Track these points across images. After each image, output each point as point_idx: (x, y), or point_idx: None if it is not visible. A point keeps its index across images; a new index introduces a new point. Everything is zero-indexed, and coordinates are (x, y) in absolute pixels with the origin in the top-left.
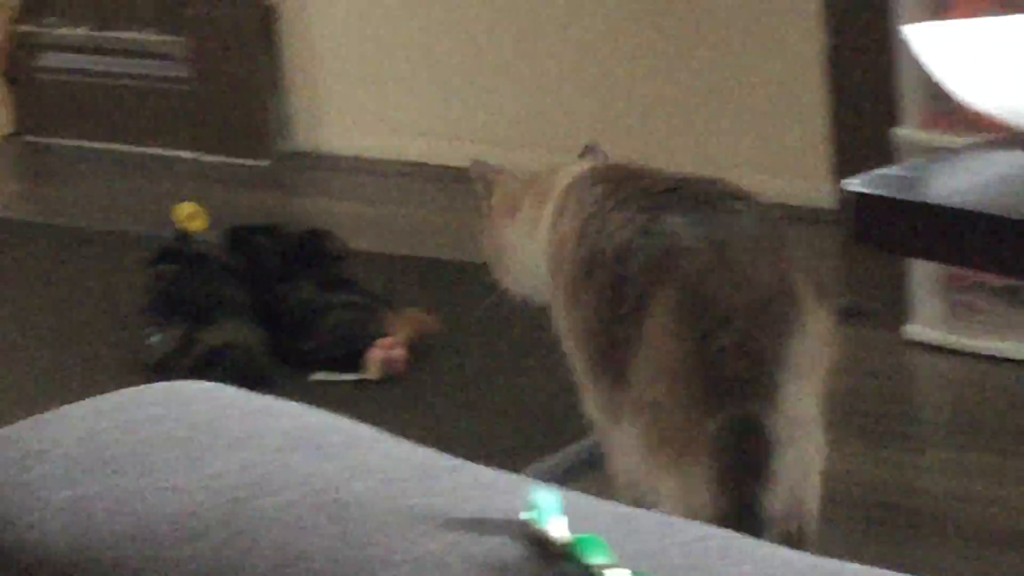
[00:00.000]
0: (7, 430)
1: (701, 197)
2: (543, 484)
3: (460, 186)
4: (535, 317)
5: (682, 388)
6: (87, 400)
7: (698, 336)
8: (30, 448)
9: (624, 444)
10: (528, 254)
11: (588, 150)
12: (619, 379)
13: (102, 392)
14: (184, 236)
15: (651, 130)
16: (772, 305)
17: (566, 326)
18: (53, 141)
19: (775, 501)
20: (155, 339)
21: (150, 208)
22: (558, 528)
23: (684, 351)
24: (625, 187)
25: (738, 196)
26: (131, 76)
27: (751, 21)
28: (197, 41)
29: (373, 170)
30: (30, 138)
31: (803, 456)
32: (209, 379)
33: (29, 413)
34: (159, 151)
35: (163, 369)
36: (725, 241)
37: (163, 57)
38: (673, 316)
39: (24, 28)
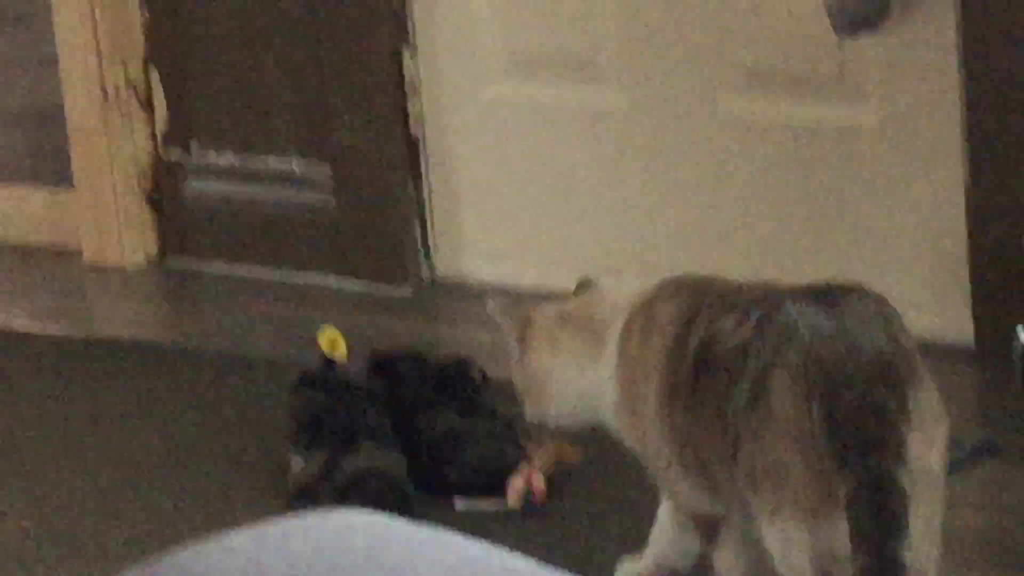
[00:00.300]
0: (170, 555)
1: (813, 290)
2: None
3: None
4: None
5: (811, 449)
6: (250, 528)
7: (822, 398)
8: (194, 573)
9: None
10: (582, 385)
11: (582, 286)
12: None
13: (246, 516)
14: (327, 362)
15: (786, 261)
16: (889, 364)
17: (662, 436)
18: (196, 266)
19: (909, 553)
20: (297, 465)
21: (293, 334)
22: None
23: (810, 414)
24: (708, 295)
25: (850, 287)
26: (275, 202)
27: (888, 150)
28: (341, 168)
29: (514, 298)
30: (173, 263)
31: (929, 510)
32: (352, 506)
33: (174, 536)
34: (302, 277)
35: (305, 495)
36: (840, 313)
37: (307, 184)
38: (796, 383)
39: (168, 153)
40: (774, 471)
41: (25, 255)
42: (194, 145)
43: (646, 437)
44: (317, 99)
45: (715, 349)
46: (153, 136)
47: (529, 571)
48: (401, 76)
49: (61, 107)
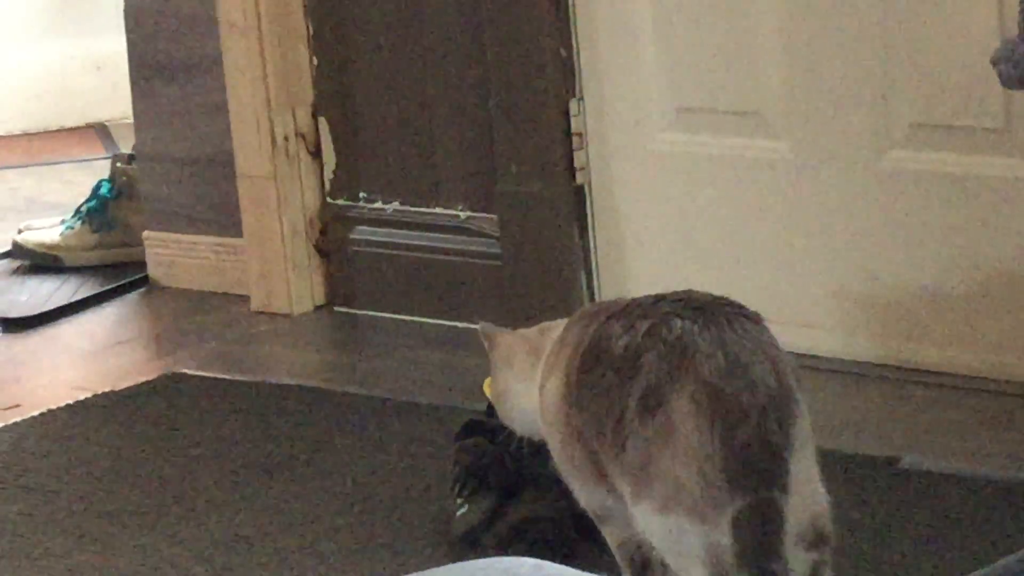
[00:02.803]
0: None
1: (698, 305)
2: None
3: None
4: (835, 506)
5: (709, 469)
6: (421, 573)
7: (722, 428)
8: None
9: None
10: (526, 403)
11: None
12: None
13: (411, 562)
14: (492, 409)
15: (951, 313)
16: (779, 402)
17: (562, 437)
18: (361, 313)
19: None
20: (461, 512)
21: (457, 382)
22: None
23: (712, 440)
24: (609, 311)
25: (729, 304)
26: (440, 251)
27: None
28: (508, 218)
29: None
30: (339, 310)
31: (809, 499)
32: (516, 553)
33: None
34: (465, 325)
35: (469, 542)
36: (728, 341)
37: (472, 233)
38: (699, 410)
39: (335, 202)
40: (669, 478)
41: (195, 301)
42: (362, 194)
43: (552, 441)
44: (484, 149)
45: (602, 346)
46: (321, 184)
47: None
48: (568, 126)
49: (231, 155)
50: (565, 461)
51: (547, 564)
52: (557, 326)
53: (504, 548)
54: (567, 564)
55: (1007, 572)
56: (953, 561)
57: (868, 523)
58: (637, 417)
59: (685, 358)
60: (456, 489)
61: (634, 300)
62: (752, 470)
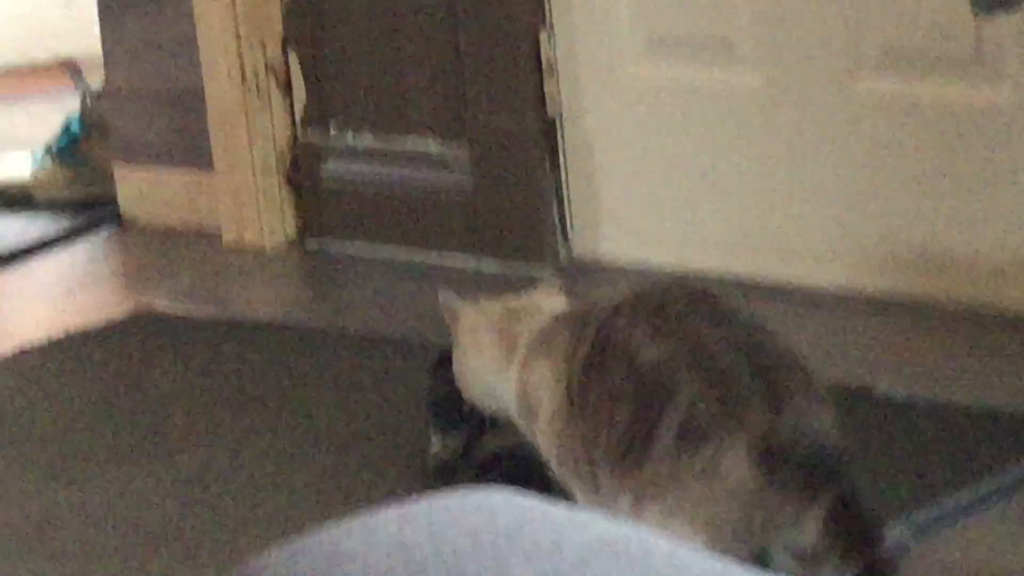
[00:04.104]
0: (316, 533)
1: (720, 319)
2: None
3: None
4: None
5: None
6: (393, 506)
7: (779, 470)
8: (341, 553)
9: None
10: (493, 385)
11: (551, 272)
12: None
13: (385, 495)
14: None
15: (922, 240)
16: (825, 439)
17: (564, 439)
18: (334, 246)
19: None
20: (436, 445)
21: (430, 314)
22: None
23: (761, 480)
24: (607, 308)
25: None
26: (411, 183)
27: None
28: (479, 149)
29: (650, 278)
30: (311, 243)
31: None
32: (491, 484)
33: (314, 515)
34: (439, 258)
35: (444, 474)
36: (778, 386)
37: (445, 165)
38: (753, 460)
39: (306, 135)
40: (696, 510)
41: (165, 237)
42: (332, 127)
43: (541, 441)
44: (455, 81)
45: (616, 351)
46: (292, 118)
47: (667, 549)
48: (539, 57)
49: (201, 90)
50: (556, 464)
51: (521, 495)
52: (528, 311)
53: (479, 480)
54: (543, 495)
55: (979, 497)
56: (928, 487)
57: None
58: (674, 445)
59: (737, 407)
60: (430, 422)
61: (636, 299)
62: (819, 478)
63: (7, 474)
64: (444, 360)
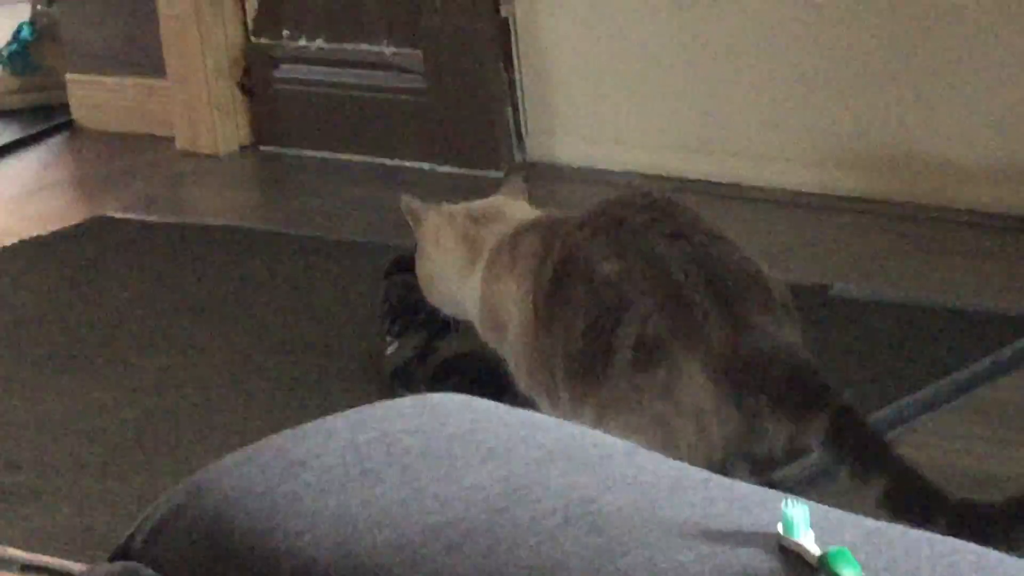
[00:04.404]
0: (270, 439)
1: (679, 232)
2: (799, 499)
3: (694, 197)
4: None
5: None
6: (347, 412)
7: (742, 394)
8: (294, 457)
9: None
10: (456, 290)
11: (512, 169)
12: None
13: (341, 400)
14: None
15: (878, 124)
16: (788, 356)
17: (532, 352)
18: (287, 152)
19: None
20: (392, 349)
21: (385, 218)
22: (808, 541)
23: (723, 403)
24: (573, 220)
25: (708, 230)
26: (365, 88)
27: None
28: (431, 53)
29: (606, 181)
30: (265, 149)
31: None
32: (446, 388)
33: (270, 421)
34: (392, 162)
35: (400, 378)
36: (735, 304)
37: (397, 69)
38: (715, 384)
39: (259, 41)
40: (655, 428)
41: (119, 143)
42: (285, 32)
43: (506, 349)
44: None
45: (578, 264)
46: (244, 24)
47: (623, 451)
48: None
49: None
50: (525, 376)
51: (475, 400)
52: (492, 215)
53: (436, 385)
54: (498, 400)
55: (937, 396)
56: (883, 387)
57: None
58: (631, 365)
59: (693, 325)
60: (386, 326)
61: (599, 212)
62: (801, 398)
63: None
64: (398, 264)
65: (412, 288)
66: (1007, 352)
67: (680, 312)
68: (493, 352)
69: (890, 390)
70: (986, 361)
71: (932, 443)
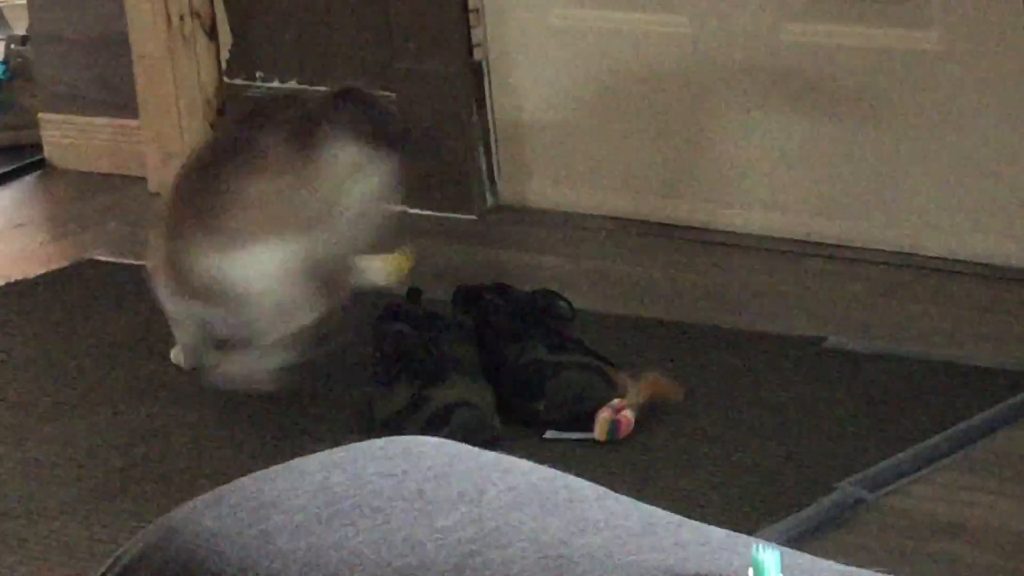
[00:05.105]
0: (241, 481)
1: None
2: (771, 545)
3: (668, 242)
4: (759, 387)
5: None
6: (319, 453)
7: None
8: (265, 499)
9: None
10: None
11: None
12: None
13: (332, 447)
14: (414, 293)
15: (849, 185)
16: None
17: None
18: None
19: None
20: (383, 398)
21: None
22: None
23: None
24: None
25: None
26: None
27: (954, 74)
28: (405, 95)
29: (579, 224)
30: None
31: None
32: (439, 437)
33: (259, 467)
34: None
35: (392, 426)
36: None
37: None
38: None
39: (232, 81)
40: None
41: (92, 183)
42: (259, 73)
43: None
44: (381, 26)
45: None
46: (218, 64)
47: (594, 495)
48: (465, 2)
49: (125, 35)
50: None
51: (447, 442)
52: None
53: (428, 434)
54: (492, 449)
55: (936, 449)
56: (879, 440)
57: (794, 404)
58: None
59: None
60: (378, 375)
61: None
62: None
63: None
64: (390, 311)
65: (405, 336)
66: (1007, 405)
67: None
68: (485, 402)
69: (888, 444)
70: (985, 414)
71: (932, 496)
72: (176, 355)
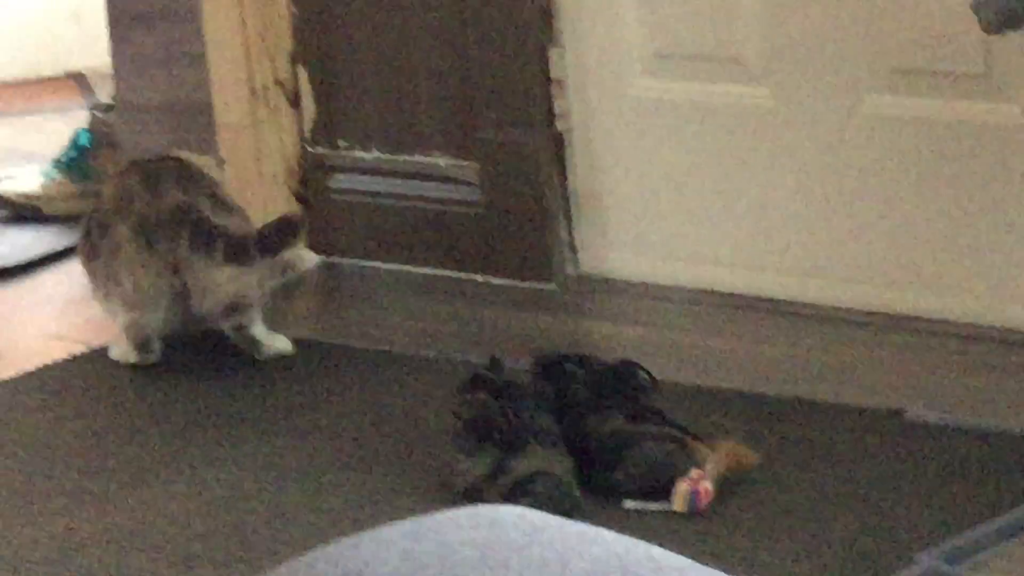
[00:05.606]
0: (325, 548)
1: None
2: None
3: (747, 314)
4: (839, 459)
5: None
6: (404, 521)
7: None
8: (350, 567)
9: None
10: None
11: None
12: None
13: (413, 515)
14: (495, 363)
15: (930, 258)
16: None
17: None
18: (342, 261)
19: None
20: (465, 465)
21: (441, 330)
22: None
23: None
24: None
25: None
26: (420, 198)
27: None
28: (487, 165)
29: (660, 296)
30: (320, 258)
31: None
32: (520, 506)
33: (340, 534)
34: (446, 273)
35: (473, 494)
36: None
37: (453, 181)
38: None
39: (315, 150)
40: (117, 277)
41: None
42: (341, 142)
43: None
44: (464, 96)
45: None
46: (300, 133)
47: (678, 566)
48: (547, 73)
49: (210, 104)
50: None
51: (531, 512)
52: None
53: (508, 503)
54: (572, 519)
55: (1015, 525)
56: (959, 513)
57: (874, 477)
58: (97, 239)
59: (124, 204)
60: (459, 443)
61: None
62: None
63: (31, 494)
64: (475, 381)
65: (486, 405)
66: None
67: (122, 200)
68: (565, 471)
69: (968, 517)
70: None
71: (1012, 571)
72: (124, 352)
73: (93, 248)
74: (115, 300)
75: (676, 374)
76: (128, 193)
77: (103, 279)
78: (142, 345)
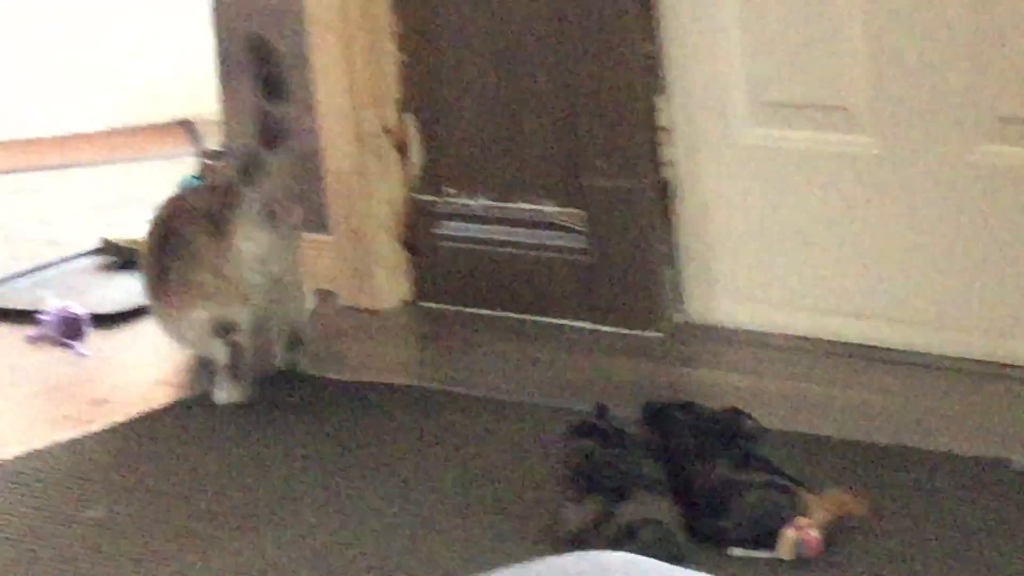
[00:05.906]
0: None
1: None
2: None
3: (854, 362)
4: (945, 508)
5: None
6: (513, 567)
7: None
8: None
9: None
10: None
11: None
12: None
13: (519, 561)
14: (601, 410)
15: None
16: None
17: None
18: (449, 308)
19: None
20: (571, 513)
21: (546, 377)
22: None
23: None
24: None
25: None
26: (526, 246)
27: None
28: (594, 213)
29: (766, 344)
30: (425, 305)
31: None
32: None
33: None
34: (552, 320)
35: (578, 543)
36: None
37: (560, 228)
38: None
39: (421, 197)
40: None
41: None
42: (448, 189)
43: None
44: (570, 144)
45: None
46: (407, 180)
47: None
48: (654, 121)
49: (318, 152)
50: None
51: (638, 557)
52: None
53: (614, 550)
54: (678, 566)
55: None
56: None
57: (981, 526)
58: (169, 262)
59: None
60: (565, 490)
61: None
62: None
63: (138, 538)
64: (581, 428)
65: (592, 452)
66: None
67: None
68: (672, 519)
69: None
70: None
71: None
72: (227, 394)
73: (162, 268)
74: (195, 302)
75: (783, 422)
76: (178, 207)
77: (178, 288)
78: (233, 367)
